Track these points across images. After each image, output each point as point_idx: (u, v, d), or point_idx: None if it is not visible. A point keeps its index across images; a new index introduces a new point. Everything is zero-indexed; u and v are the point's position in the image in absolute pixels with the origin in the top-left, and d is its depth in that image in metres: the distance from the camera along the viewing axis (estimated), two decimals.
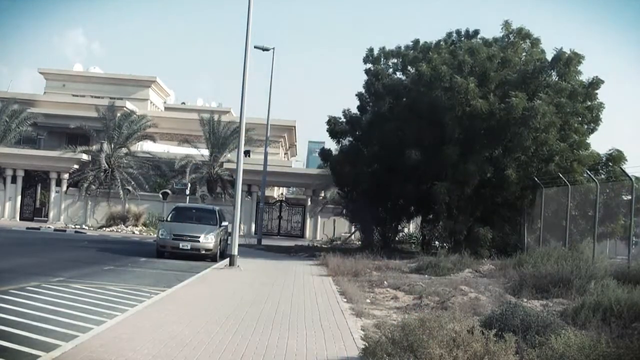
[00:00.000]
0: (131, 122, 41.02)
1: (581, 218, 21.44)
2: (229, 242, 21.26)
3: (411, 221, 33.13)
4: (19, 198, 40.71)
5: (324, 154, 30.28)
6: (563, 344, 6.27)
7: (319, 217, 40.59)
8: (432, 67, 23.93)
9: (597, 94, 24.12)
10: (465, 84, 22.64)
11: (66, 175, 40.44)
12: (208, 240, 21.23)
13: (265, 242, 32.03)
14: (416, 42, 28.10)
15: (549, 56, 24.48)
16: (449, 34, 27.82)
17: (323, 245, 31.70)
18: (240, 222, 24.52)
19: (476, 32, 27.50)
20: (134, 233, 36.46)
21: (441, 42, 27.11)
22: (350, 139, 28.86)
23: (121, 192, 38.96)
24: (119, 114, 41.75)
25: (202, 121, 41.91)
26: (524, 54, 25.16)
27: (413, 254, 24.51)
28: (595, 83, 23.92)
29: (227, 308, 10.90)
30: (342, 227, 38.31)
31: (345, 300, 12.69)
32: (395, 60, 28.74)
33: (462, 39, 27.31)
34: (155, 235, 24.83)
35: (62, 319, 9.22)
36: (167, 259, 20.81)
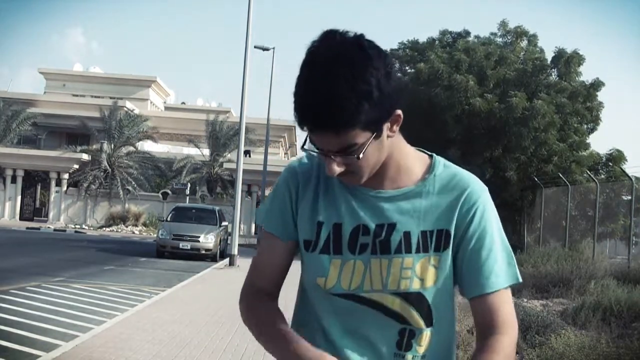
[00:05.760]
0: (132, 122, 41.01)
1: (581, 218, 21.45)
2: (228, 242, 21.27)
3: None
4: (18, 198, 40.64)
5: None
6: (563, 344, 6.27)
7: None
8: (430, 66, 23.91)
9: (597, 95, 24.17)
10: (465, 81, 22.64)
11: (66, 175, 40.39)
12: (208, 240, 21.24)
13: None
14: (415, 42, 28.04)
15: (549, 56, 24.53)
16: (443, 32, 27.68)
17: None
18: (240, 222, 24.54)
19: (467, 32, 27.40)
20: (134, 233, 36.46)
21: (436, 41, 27.04)
22: None
23: (121, 192, 38.94)
24: (119, 114, 41.76)
25: (207, 122, 41.95)
26: (522, 52, 25.17)
27: None
28: (596, 84, 23.98)
29: (228, 308, 10.89)
30: None
31: None
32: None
33: (454, 39, 27.21)
34: (155, 235, 24.83)
35: (62, 318, 9.22)
36: (167, 259, 20.80)
